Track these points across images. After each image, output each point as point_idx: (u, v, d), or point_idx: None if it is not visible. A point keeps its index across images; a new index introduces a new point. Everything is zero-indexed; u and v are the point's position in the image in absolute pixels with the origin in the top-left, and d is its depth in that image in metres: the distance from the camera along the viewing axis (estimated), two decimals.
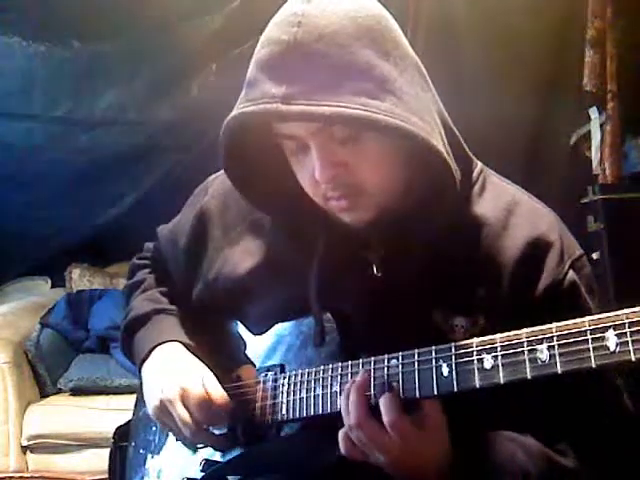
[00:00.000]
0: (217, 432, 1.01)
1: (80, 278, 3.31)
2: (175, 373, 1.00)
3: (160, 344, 1.05)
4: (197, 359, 1.04)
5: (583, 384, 0.84)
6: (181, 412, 0.97)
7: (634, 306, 0.68)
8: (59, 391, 2.86)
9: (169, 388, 0.98)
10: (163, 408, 0.99)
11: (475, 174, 0.97)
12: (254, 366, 1.04)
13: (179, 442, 1.08)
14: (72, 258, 3.35)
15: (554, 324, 0.74)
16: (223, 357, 1.06)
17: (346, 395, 0.85)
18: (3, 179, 3.07)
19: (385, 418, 0.81)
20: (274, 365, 1.00)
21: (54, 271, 3.42)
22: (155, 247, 1.21)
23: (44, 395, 2.86)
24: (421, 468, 0.83)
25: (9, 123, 2.89)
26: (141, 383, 1.08)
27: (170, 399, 0.98)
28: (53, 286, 3.43)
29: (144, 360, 1.06)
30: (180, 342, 1.05)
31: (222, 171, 1.09)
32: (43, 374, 2.86)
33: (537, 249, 0.91)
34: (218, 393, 0.98)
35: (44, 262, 3.42)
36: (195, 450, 1.05)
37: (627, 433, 0.93)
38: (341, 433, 0.84)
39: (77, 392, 2.81)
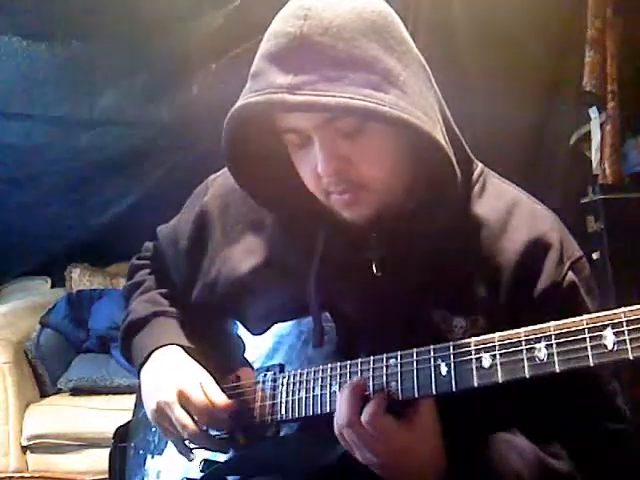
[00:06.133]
0: (216, 433, 1.01)
1: (80, 278, 3.31)
2: (173, 376, 1.00)
3: (158, 347, 1.05)
4: (195, 362, 1.04)
5: (579, 386, 0.84)
6: (179, 414, 0.97)
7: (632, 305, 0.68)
8: (59, 391, 2.87)
9: (167, 391, 0.98)
10: (161, 411, 0.99)
11: (475, 175, 0.97)
12: (252, 368, 1.04)
13: (179, 451, 1.08)
14: (72, 258, 3.35)
15: (552, 323, 0.74)
16: (222, 359, 1.06)
17: (341, 394, 0.85)
18: (3, 179, 3.07)
19: (363, 417, 0.81)
20: (273, 365, 1.00)
21: (54, 271, 3.42)
22: (155, 247, 1.21)
23: (44, 395, 2.87)
24: (411, 470, 0.83)
25: (9, 123, 2.90)
26: (140, 386, 1.08)
27: (168, 402, 0.98)
28: (53, 286, 3.44)
29: (143, 364, 1.06)
30: (178, 345, 1.05)
31: (222, 171, 1.09)
32: (43, 374, 2.87)
33: (537, 250, 0.91)
34: (217, 395, 0.98)
35: (44, 262, 3.42)
36: (191, 459, 1.04)
37: (621, 436, 0.93)
38: (336, 429, 0.84)
39: (77, 392, 2.81)
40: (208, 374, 1.02)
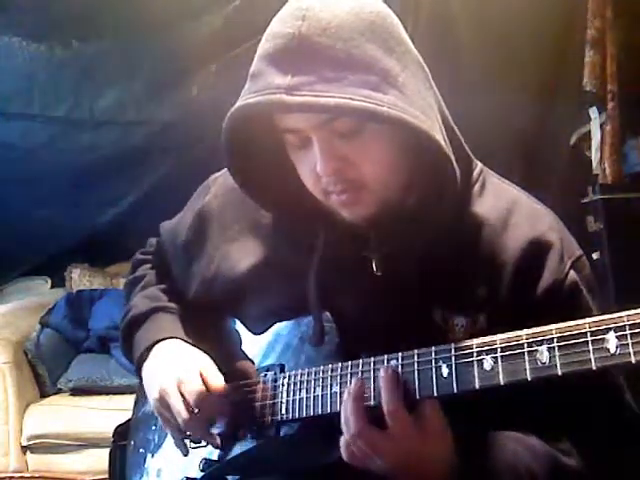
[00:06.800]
0: (216, 430, 1.01)
1: (80, 278, 3.31)
2: (173, 365, 1.00)
3: (158, 341, 1.05)
4: (196, 349, 1.03)
5: (585, 383, 0.84)
6: (175, 401, 0.97)
7: (635, 307, 0.68)
8: (59, 391, 2.87)
9: (167, 379, 0.99)
10: (162, 399, 0.99)
11: (475, 174, 0.97)
12: (253, 363, 1.04)
13: (175, 444, 1.08)
14: (72, 258, 3.35)
15: (554, 325, 0.73)
16: (222, 354, 1.06)
17: (344, 406, 0.84)
18: (3, 179, 3.07)
19: (386, 408, 0.80)
20: (273, 365, 1.00)
21: (54, 271, 3.42)
22: (157, 242, 1.21)
23: (44, 395, 2.87)
24: (423, 470, 0.83)
25: (9, 123, 2.89)
26: (141, 382, 1.08)
27: (167, 389, 0.98)
28: (53, 286, 3.44)
29: (143, 359, 1.06)
30: (178, 339, 1.05)
31: (223, 171, 1.09)
32: (43, 374, 2.87)
33: (537, 249, 0.91)
34: (214, 378, 0.98)
35: (44, 262, 3.42)
36: (185, 454, 1.04)
37: (630, 432, 0.93)
38: (342, 442, 0.83)
39: (77, 392, 2.81)
40: (209, 359, 1.02)
